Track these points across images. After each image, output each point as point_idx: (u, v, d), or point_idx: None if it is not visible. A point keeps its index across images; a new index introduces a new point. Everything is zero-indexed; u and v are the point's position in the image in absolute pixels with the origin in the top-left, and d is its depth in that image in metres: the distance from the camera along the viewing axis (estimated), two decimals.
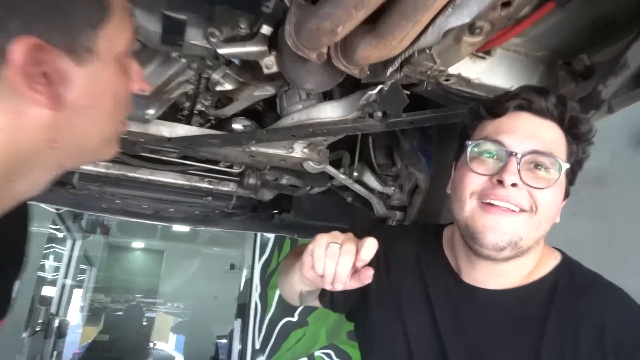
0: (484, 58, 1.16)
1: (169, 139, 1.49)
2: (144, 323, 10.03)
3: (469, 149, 0.95)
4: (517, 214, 0.88)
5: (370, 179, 1.90)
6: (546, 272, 0.97)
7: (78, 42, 0.56)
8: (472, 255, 0.96)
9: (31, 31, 0.51)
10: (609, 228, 2.12)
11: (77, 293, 10.23)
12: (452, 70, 1.13)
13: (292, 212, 2.35)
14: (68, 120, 0.58)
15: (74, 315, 9.86)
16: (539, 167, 0.89)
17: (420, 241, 1.16)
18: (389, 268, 1.12)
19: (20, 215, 0.78)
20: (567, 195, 0.95)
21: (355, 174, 1.81)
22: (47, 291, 8.31)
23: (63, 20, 0.54)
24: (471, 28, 0.93)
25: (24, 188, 0.61)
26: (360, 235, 0.89)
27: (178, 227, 9.37)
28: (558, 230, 1.00)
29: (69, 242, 8.87)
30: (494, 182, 0.89)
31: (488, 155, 0.92)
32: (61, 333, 7.91)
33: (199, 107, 1.67)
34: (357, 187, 1.84)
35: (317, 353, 4.28)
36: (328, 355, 4.21)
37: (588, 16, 1.02)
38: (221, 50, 1.14)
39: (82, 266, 10.25)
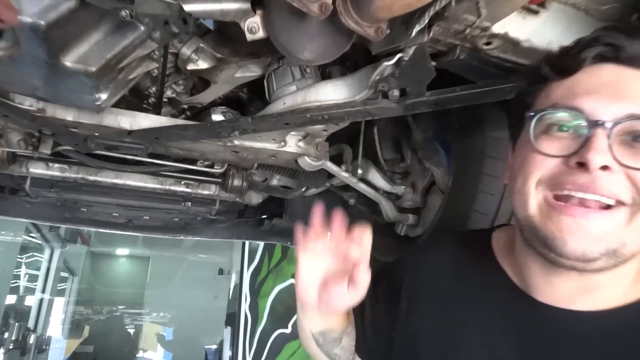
0: (536, 13, 0.88)
1: (130, 132, 1.19)
2: (131, 332, 9.62)
3: (532, 123, 0.66)
4: (612, 209, 0.61)
5: (376, 177, 1.62)
6: None
7: None
8: (547, 265, 0.67)
9: None
10: None
11: (59, 303, 9.78)
12: (497, 28, 0.85)
13: (284, 217, 2.06)
14: None
15: (56, 328, 9.41)
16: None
17: (459, 253, 0.88)
18: (416, 300, 0.85)
19: None
20: None
21: (359, 171, 1.53)
22: (27, 302, 7.89)
23: None
24: None
25: None
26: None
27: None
28: None
29: (47, 252, 8.43)
30: (572, 165, 0.61)
31: (561, 128, 0.64)
32: (40, 348, 7.49)
33: (169, 93, 1.38)
34: (362, 187, 1.55)
35: None
36: None
37: None
38: (189, 7, 0.85)
39: (63, 274, 9.81)
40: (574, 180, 0.61)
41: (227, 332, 6.23)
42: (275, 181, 1.77)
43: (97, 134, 1.22)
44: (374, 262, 1.71)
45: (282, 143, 1.32)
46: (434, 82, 0.96)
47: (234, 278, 7.91)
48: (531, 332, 0.70)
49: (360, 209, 1.76)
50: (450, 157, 1.40)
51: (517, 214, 0.70)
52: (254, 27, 0.90)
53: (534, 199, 0.65)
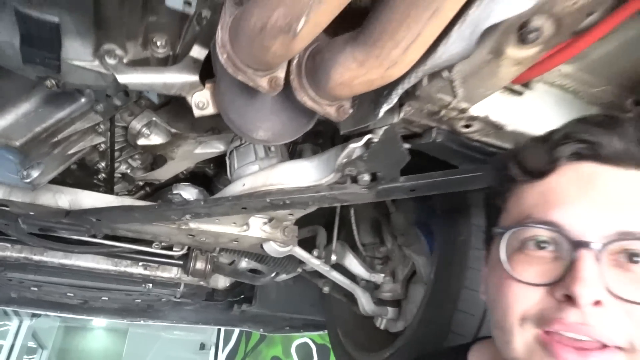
0: (520, 93, 0.79)
1: (68, 212, 1.05)
2: None
3: (503, 241, 0.55)
4: (607, 350, 0.47)
5: (353, 263, 1.46)
6: None
7: None
8: None
9: None
10: None
11: None
12: (477, 110, 0.75)
13: (255, 303, 1.86)
14: None
15: None
16: (638, 260, 0.48)
17: None
18: None
19: None
20: None
21: (333, 257, 1.37)
22: None
23: None
24: (523, 30, 0.55)
25: None
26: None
27: None
28: None
29: (15, 322, 7.88)
30: (559, 297, 0.49)
31: (539, 245, 0.52)
32: None
33: (123, 168, 1.25)
34: (335, 276, 1.39)
35: None
36: None
37: None
38: (124, 78, 0.74)
39: (32, 344, 9.12)
40: (563, 319, 0.48)
41: None
42: (244, 264, 1.60)
43: (31, 213, 1.07)
44: None
45: (245, 227, 1.18)
46: (413, 165, 0.85)
47: (212, 351, 7.41)
48: None
49: (337, 298, 1.58)
50: (432, 246, 1.25)
51: (500, 348, 0.56)
52: (202, 102, 0.79)
53: (520, 339, 0.52)
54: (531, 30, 0.55)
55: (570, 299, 0.47)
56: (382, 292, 1.43)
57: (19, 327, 7.90)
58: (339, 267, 1.46)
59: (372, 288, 1.46)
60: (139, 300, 2.06)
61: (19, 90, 0.81)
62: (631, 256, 0.48)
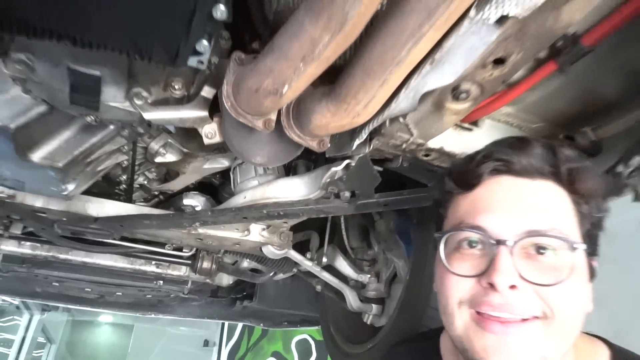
0: (469, 130, 0.96)
1: (96, 219, 1.23)
2: None
3: (442, 243, 0.71)
4: (527, 322, 0.63)
5: (342, 265, 1.64)
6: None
7: None
8: None
9: None
10: None
11: None
12: (433, 143, 0.92)
13: (255, 300, 2.04)
14: None
15: None
16: (543, 251, 0.64)
17: None
18: None
19: None
20: (592, 273, 0.68)
21: (324, 259, 1.55)
22: None
23: None
24: (455, 92, 0.73)
25: None
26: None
27: None
28: None
29: (25, 317, 8.13)
30: (485, 285, 0.64)
31: (470, 245, 0.68)
32: None
33: (140, 180, 1.44)
34: (325, 276, 1.57)
35: None
36: None
37: (594, 82, 0.84)
38: (148, 115, 0.92)
39: (41, 339, 9.35)
40: (489, 302, 0.63)
41: None
42: (245, 264, 1.78)
43: (64, 219, 1.26)
44: (338, 353, 1.68)
45: (246, 232, 1.36)
46: (390, 178, 1.03)
47: (214, 352, 7.58)
48: None
49: (328, 295, 1.75)
50: (410, 251, 1.43)
51: (446, 328, 0.73)
52: (210, 133, 0.97)
53: (460, 319, 0.67)
54: (462, 92, 0.72)
55: (492, 286, 0.63)
56: (367, 290, 1.60)
57: (30, 321, 8.15)
58: (330, 268, 1.64)
59: (359, 287, 1.64)
60: (149, 296, 2.25)
61: (62, 122, 1.00)
62: (538, 249, 0.63)
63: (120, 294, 2.20)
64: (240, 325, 4.95)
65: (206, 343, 9.47)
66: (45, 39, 0.64)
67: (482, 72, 0.69)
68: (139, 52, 0.67)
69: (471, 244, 0.68)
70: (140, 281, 1.96)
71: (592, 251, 0.68)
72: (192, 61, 0.71)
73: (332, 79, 0.75)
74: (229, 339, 5.08)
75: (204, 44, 0.69)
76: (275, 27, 0.73)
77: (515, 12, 0.55)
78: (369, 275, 1.62)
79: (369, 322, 1.64)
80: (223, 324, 5.24)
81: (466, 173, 0.71)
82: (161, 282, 1.97)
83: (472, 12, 0.57)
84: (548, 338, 0.63)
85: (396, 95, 0.71)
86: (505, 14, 0.56)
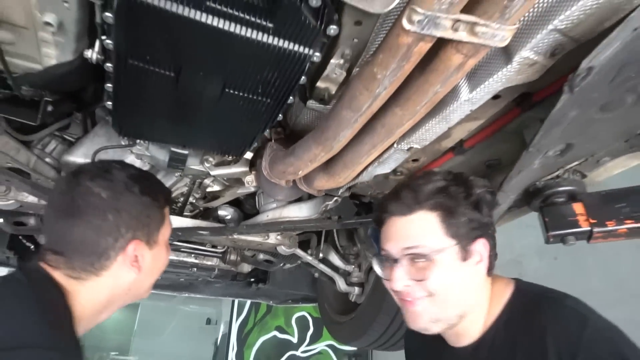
0: None
1: None
2: None
3: (374, 262, 1.15)
4: (422, 298, 1.00)
5: (334, 258, 2.23)
6: (498, 311, 1.04)
7: (152, 238, 1.00)
8: None
9: (135, 237, 0.96)
10: None
11: None
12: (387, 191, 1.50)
13: (268, 283, 2.65)
14: (141, 278, 1.00)
15: None
16: (417, 260, 0.98)
17: None
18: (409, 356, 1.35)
19: None
20: (470, 254, 1.00)
21: (320, 255, 2.15)
22: None
23: (148, 230, 0.99)
24: (394, 172, 1.31)
25: (104, 317, 1.00)
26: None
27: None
28: None
29: None
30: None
31: (388, 262, 1.07)
32: None
33: (191, 199, 2.01)
34: (321, 267, 2.17)
35: None
36: None
37: (481, 158, 1.42)
38: (213, 172, 1.50)
39: None
40: (400, 295, 1.09)
41: None
42: (261, 256, 2.37)
43: None
44: (331, 322, 2.30)
45: (266, 237, 1.95)
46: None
47: (222, 328, 8.17)
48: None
49: (323, 279, 2.36)
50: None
51: None
52: (250, 181, 1.55)
53: (397, 300, 1.22)
54: (397, 172, 1.30)
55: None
56: (352, 277, 2.20)
57: None
58: (325, 260, 2.23)
59: (346, 274, 2.24)
60: (182, 279, 2.85)
61: (155, 172, 1.57)
62: (413, 259, 0.99)
63: (159, 278, 2.79)
64: (248, 303, 5.61)
65: (208, 321, 10.05)
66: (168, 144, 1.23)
67: (407, 165, 1.27)
68: (222, 152, 1.25)
69: (388, 262, 1.07)
70: (180, 268, 2.55)
71: (466, 242, 0.99)
72: (248, 155, 1.29)
73: (325, 163, 1.32)
74: (238, 315, 5.76)
75: (254, 147, 1.26)
76: (293, 130, 1.31)
77: (416, 145, 1.13)
78: (353, 266, 2.21)
79: (352, 300, 2.24)
80: (233, 303, 5.90)
81: (376, 216, 1.11)
82: (195, 269, 2.56)
83: (394, 145, 1.14)
84: (435, 307, 1.01)
85: (361, 174, 1.28)
86: (410, 146, 1.13)
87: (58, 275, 0.94)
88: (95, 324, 0.99)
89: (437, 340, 1.15)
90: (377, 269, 1.14)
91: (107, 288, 0.97)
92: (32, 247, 2.36)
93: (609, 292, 2.55)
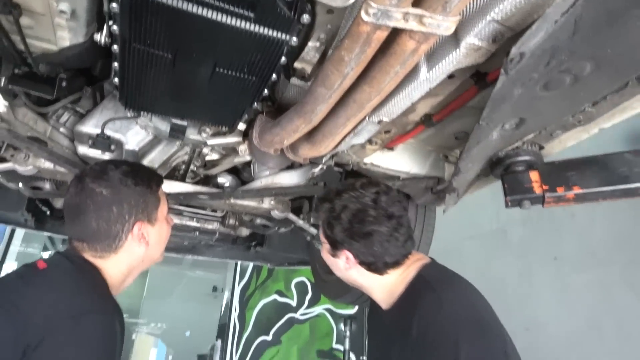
0: (391, 149, 1.70)
1: (168, 194, 1.99)
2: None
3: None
4: None
5: None
6: (401, 290, 1.33)
7: (152, 217, 1.26)
8: None
9: (138, 219, 1.22)
10: None
11: None
12: (367, 160, 1.67)
13: (265, 246, 2.85)
14: (150, 249, 1.26)
15: None
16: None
17: None
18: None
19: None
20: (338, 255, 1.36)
21: (312, 219, 2.33)
22: None
23: (147, 212, 1.24)
24: (370, 141, 1.47)
25: (128, 282, 1.29)
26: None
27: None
28: None
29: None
30: None
31: None
32: None
33: (191, 167, 2.19)
34: (312, 230, 2.35)
35: None
36: None
37: (450, 131, 1.57)
38: (209, 142, 1.66)
39: None
40: None
41: (218, 343, 6.90)
42: (258, 221, 2.56)
43: None
44: (320, 281, 2.52)
45: (261, 202, 2.13)
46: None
47: (226, 295, 8.51)
48: (382, 322, 1.45)
49: (314, 243, 2.55)
50: None
51: None
52: (243, 150, 1.72)
53: None
54: (372, 142, 1.46)
55: None
56: None
57: None
58: (316, 225, 2.41)
59: None
60: (186, 242, 3.05)
61: (159, 143, 1.73)
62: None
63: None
64: (250, 268, 5.88)
65: (214, 289, 10.42)
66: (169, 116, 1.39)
67: (380, 135, 1.42)
68: (216, 123, 1.42)
69: None
70: (183, 232, 2.74)
71: (332, 244, 1.35)
72: (241, 126, 1.46)
73: (309, 134, 1.48)
74: (240, 279, 6.05)
75: (245, 118, 1.42)
76: (280, 103, 1.47)
77: (385, 118, 1.28)
78: None
79: None
80: (236, 268, 6.18)
81: None
82: (197, 232, 2.76)
83: (366, 118, 1.29)
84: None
85: (340, 143, 1.44)
86: (380, 119, 1.29)
87: (87, 256, 1.22)
88: (123, 289, 1.28)
89: (377, 307, 1.46)
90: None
91: (126, 261, 1.25)
92: (48, 211, 2.56)
93: (585, 257, 2.73)
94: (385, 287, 1.38)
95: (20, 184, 2.01)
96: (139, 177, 1.26)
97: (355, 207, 1.30)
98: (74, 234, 1.24)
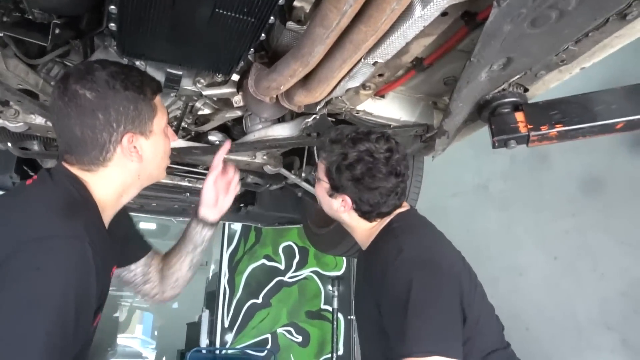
0: (382, 97, 1.75)
1: None
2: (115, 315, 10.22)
3: None
4: None
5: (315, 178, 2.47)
6: (376, 233, 1.51)
7: (146, 128, 1.17)
8: None
9: (127, 130, 1.12)
10: None
11: None
12: (360, 107, 1.71)
13: (256, 205, 2.90)
14: (145, 165, 1.18)
15: None
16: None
17: None
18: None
19: (124, 211, 1.37)
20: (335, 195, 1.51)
21: (303, 174, 2.38)
22: None
23: (139, 122, 1.14)
24: (363, 86, 1.51)
25: (126, 200, 1.24)
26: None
27: (146, 225, 9.63)
28: None
29: None
30: None
31: None
32: None
33: (183, 124, 2.20)
34: (304, 185, 2.41)
35: (279, 330, 4.85)
36: (289, 332, 4.79)
37: (439, 76, 1.62)
38: (204, 92, 1.68)
39: None
40: None
41: (205, 314, 6.92)
42: (250, 179, 2.60)
43: None
44: (312, 235, 2.59)
45: (253, 157, 2.16)
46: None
47: (212, 268, 8.56)
48: (361, 263, 1.58)
49: (306, 199, 2.61)
50: None
51: None
52: (237, 100, 1.74)
53: None
54: (366, 86, 1.50)
55: None
56: None
57: None
58: (307, 180, 2.47)
59: None
60: (176, 205, 3.08)
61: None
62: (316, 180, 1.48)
63: (155, 204, 3.03)
64: (237, 233, 5.94)
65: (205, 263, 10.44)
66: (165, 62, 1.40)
67: (374, 79, 1.47)
68: (212, 70, 1.44)
69: None
70: (174, 193, 2.77)
71: (334, 187, 1.49)
72: (235, 77, 1.48)
73: (304, 79, 1.52)
74: (229, 245, 6.10)
75: (241, 65, 1.45)
76: (274, 51, 1.49)
77: (380, 60, 1.33)
78: None
79: None
80: (223, 234, 6.22)
81: None
82: (188, 194, 2.78)
83: (362, 60, 1.33)
84: None
85: (335, 88, 1.48)
86: (375, 61, 1.33)
87: (75, 170, 1.13)
88: (120, 207, 1.23)
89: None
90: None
91: (117, 176, 1.15)
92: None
93: (562, 206, 2.87)
94: (366, 231, 1.55)
95: (9, 144, 1.99)
96: (129, 80, 1.11)
97: (370, 162, 1.40)
98: (60, 144, 1.13)
